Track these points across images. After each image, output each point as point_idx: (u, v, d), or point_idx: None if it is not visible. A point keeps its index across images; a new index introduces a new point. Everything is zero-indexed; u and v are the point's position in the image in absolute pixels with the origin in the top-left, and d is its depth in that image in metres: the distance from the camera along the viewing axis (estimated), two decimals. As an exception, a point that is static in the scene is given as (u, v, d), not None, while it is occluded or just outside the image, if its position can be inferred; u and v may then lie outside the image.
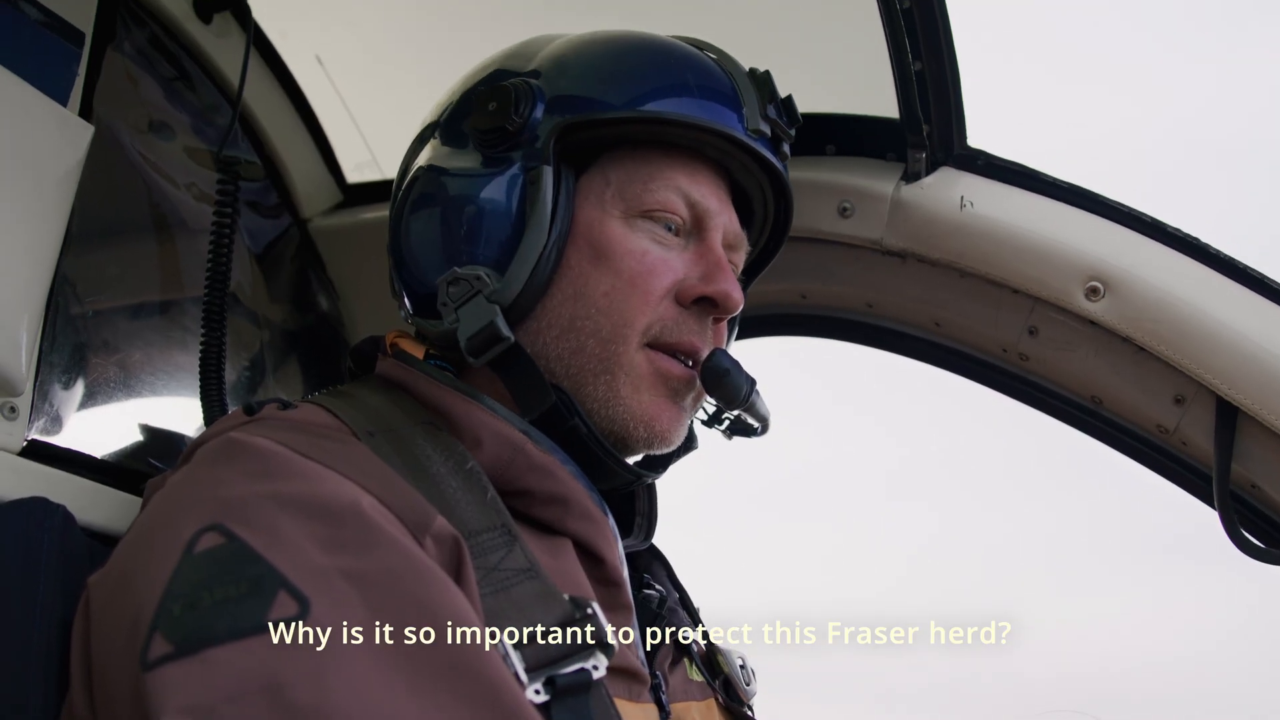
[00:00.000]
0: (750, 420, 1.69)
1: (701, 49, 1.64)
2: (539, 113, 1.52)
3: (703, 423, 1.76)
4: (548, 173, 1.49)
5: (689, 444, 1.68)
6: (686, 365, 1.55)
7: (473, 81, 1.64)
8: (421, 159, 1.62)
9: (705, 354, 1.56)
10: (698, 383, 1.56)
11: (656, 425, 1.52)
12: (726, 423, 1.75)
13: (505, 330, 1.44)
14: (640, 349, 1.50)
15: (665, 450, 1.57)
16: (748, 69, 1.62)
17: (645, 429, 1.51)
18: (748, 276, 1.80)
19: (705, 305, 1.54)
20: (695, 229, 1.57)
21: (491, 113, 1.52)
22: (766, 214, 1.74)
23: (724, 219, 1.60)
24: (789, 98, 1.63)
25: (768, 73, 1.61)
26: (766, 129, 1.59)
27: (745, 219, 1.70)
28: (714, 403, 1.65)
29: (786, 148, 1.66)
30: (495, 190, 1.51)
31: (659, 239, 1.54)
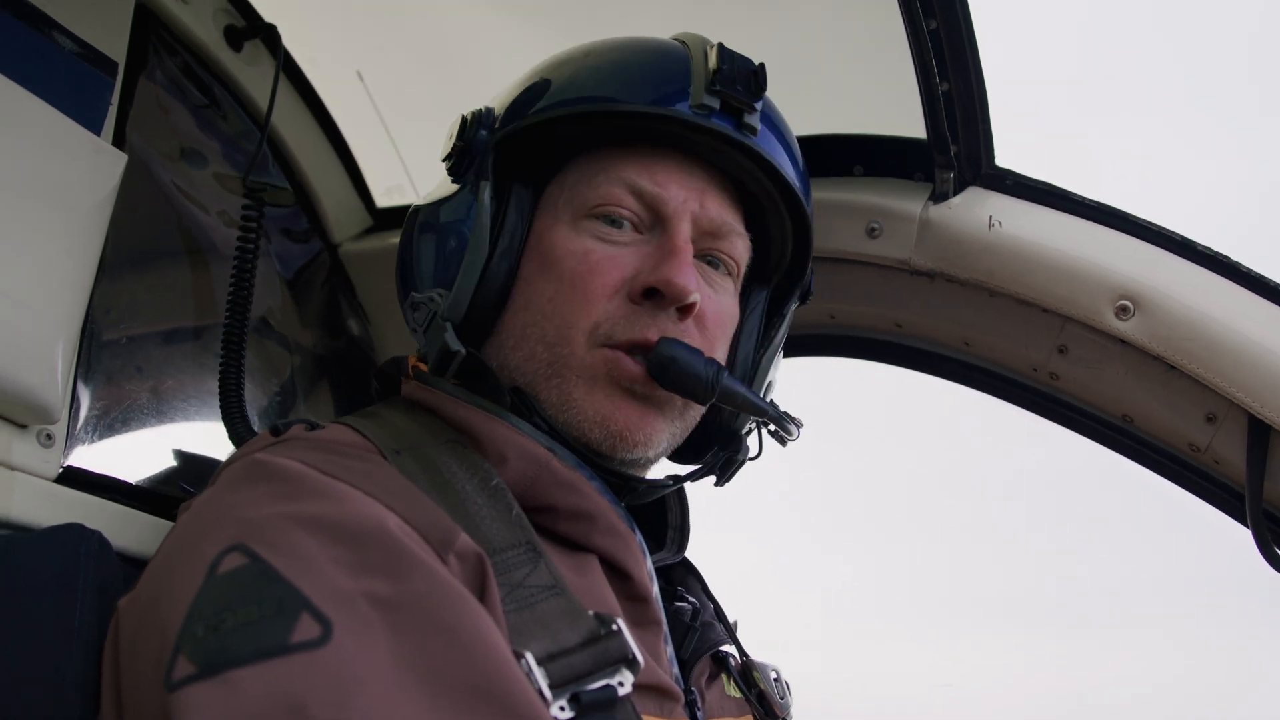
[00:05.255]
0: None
1: (678, 39, 1.59)
2: (484, 133, 1.56)
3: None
4: (485, 187, 1.52)
5: (736, 452, 1.66)
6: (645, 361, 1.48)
7: None
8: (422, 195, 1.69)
9: None
10: None
11: (612, 425, 1.46)
12: (771, 426, 1.62)
13: (455, 343, 1.47)
14: (591, 349, 1.46)
15: (640, 454, 1.50)
16: (715, 44, 1.54)
17: (600, 430, 1.46)
18: (786, 292, 1.74)
19: (657, 298, 1.47)
20: (656, 220, 1.53)
21: (449, 140, 1.59)
22: (780, 212, 1.65)
23: (692, 206, 1.53)
24: (759, 68, 1.53)
25: (720, 44, 1.54)
26: (714, 102, 1.50)
27: (763, 229, 1.66)
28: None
29: (758, 121, 1.54)
30: (450, 213, 1.56)
31: (604, 236, 1.50)
